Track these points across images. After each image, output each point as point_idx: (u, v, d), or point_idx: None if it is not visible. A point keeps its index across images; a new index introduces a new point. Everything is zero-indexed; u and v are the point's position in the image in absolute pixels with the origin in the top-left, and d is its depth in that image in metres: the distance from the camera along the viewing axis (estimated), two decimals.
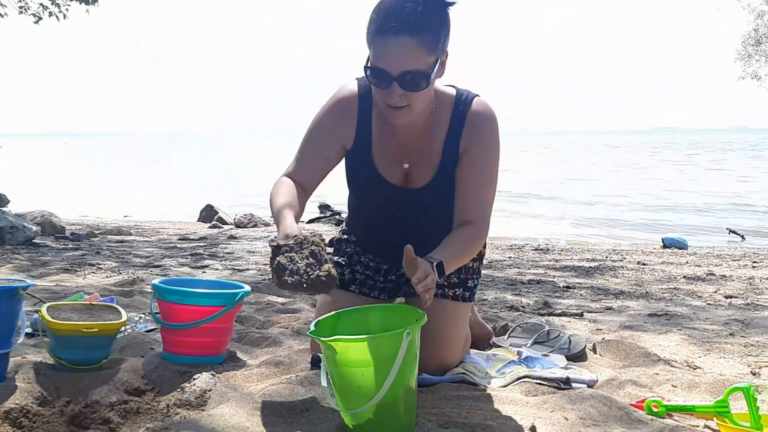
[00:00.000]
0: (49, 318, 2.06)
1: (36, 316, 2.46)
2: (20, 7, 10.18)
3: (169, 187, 19.54)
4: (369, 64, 1.84)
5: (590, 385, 2.06)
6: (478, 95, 2.05)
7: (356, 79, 2.08)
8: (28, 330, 2.51)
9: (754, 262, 6.30)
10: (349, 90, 2.09)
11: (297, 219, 1.91)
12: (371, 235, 2.31)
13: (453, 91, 2.05)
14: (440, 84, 2.04)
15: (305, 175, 2.09)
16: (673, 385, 2.10)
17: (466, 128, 2.00)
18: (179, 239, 7.44)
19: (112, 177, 23.92)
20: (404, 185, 2.09)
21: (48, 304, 2.21)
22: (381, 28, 1.78)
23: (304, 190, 2.09)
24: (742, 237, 9.49)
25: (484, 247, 2.28)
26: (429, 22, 1.78)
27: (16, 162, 36.18)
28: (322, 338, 1.62)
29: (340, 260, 2.34)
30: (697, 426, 1.75)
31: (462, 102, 2.02)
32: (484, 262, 5.77)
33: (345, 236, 2.39)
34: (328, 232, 8.49)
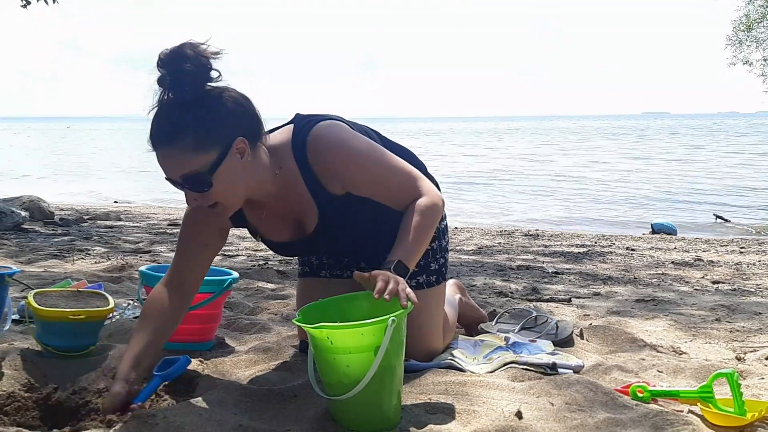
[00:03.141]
0: (35, 305, 2.05)
1: (23, 302, 2.45)
2: None
3: (156, 172, 19.45)
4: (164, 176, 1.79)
5: (576, 370, 2.07)
6: (318, 122, 1.91)
7: None
8: (15, 317, 2.51)
9: (742, 247, 6.34)
10: None
11: (136, 379, 1.76)
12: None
13: (289, 136, 1.92)
14: (278, 132, 1.94)
15: (188, 274, 1.97)
16: (658, 371, 2.12)
17: (316, 170, 1.89)
18: (169, 225, 7.42)
19: (103, 161, 23.78)
20: (301, 236, 2.02)
21: (35, 290, 2.20)
22: (150, 143, 1.73)
23: (184, 297, 1.96)
24: (726, 220, 9.57)
25: (443, 219, 2.24)
26: (184, 126, 1.68)
27: (10, 146, 35.92)
28: (307, 326, 1.62)
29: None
30: (682, 411, 1.76)
31: (298, 146, 1.90)
32: (473, 247, 5.80)
33: None
34: None
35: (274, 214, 2.00)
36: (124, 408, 1.67)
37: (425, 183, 1.96)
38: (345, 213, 1.97)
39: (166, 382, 1.84)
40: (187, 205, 1.91)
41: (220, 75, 1.74)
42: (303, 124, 1.93)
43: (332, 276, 2.29)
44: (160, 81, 1.71)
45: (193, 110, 1.70)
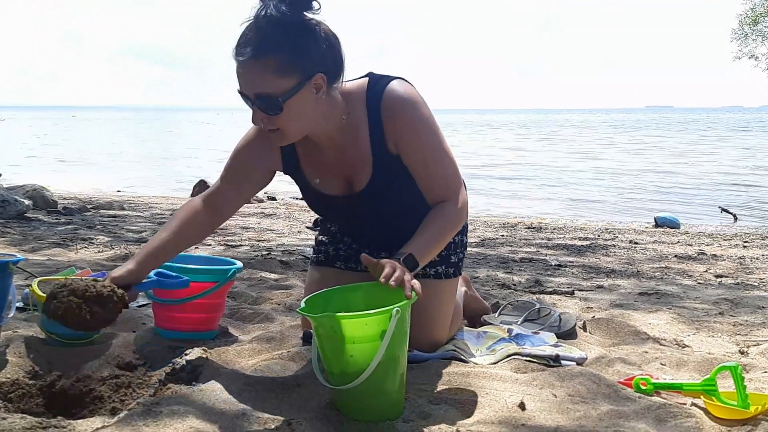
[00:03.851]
0: (40, 292, 2.06)
1: (27, 290, 2.46)
2: None
3: (161, 161, 19.46)
4: (238, 88, 1.82)
5: (579, 362, 2.07)
6: (393, 79, 1.95)
7: None
8: (20, 304, 2.51)
9: (745, 241, 6.33)
10: None
11: (145, 266, 1.94)
12: (343, 228, 2.32)
13: (365, 86, 1.95)
14: (354, 81, 1.96)
15: (225, 199, 2.06)
16: (661, 364, 2.12)
17: (385, 123, 1.92)
18: (172, 214, 7.42)
19: (106, 151, 23.79)
20: (348, 192, 2.03)
21: (39, 278, 2.20)
22: (235, 52, 1.76)
23: (216, 215, 2.06)
24: (735, 216, 9.53)
25: (466, 217, 2.27)
26: (277, 46, 1.71)
27: (15, 135, 35.94)
28: (312, 315, 1.62)
29: (323, 238, 2.35)
30: (685, 404, 1.77)
31: (374, 95, 1.93)
32: (476, 240, 5.79)
33: None
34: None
35: (329, 163, 2.02)
36: (127, 285, 1.83)
37: (463, 190, 2.00)
38: (393, 182, 1.98)
39: (156, 290, 1.96)
40: (241, 140, 2.03)
41: (320, 7, 1.76)
42: (379, 77, 1.96)
43: (346, 268, 2.29)
44: None
45: (287, 33, 1.73)
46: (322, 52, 1.79)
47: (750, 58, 23.06)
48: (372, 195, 2.01)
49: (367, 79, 1.97)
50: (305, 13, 1.75)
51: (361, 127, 1.94)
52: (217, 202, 2.07)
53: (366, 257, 1.76)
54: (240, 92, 1.81)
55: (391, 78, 1.96)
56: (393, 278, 1.67)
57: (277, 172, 2.12)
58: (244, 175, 2.06)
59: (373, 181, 1.98)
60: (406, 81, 1.97)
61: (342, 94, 1.92)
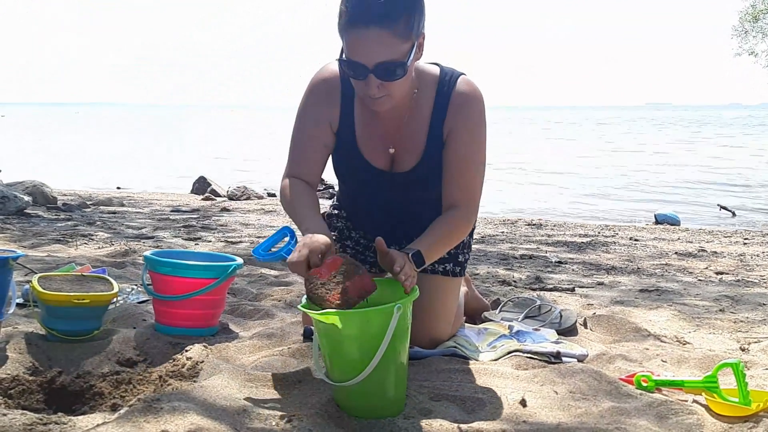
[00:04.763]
0: (40, 289, 2.05)
1: (27, 286, 2.45)
2: None
3: (161, 158, 19.45)
4: (344, 57, 1.79)
5: (580, 359, 2.07)
6: (463, 74, 1.98)
7: (337, 60, 1.89)
8: (20, 300, 2.51)
9: (746, 238, 6.32)
10: (330, 71, 2.01)
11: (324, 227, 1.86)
12: (360, 216, 2.30)
13: (437, 71, 1.98)
14: (423, 63, 1.99)
15: (306, 168, 2.03)
16: (662, 360, 2.12)
17: (450, 109, 1.94)
18: (172, 211, 7.42)
19: (105, 147, 23.77)
20: (390, 169, 2.04)
21: (39, 274, 2.20)
22: (351, 20, 1.72)
23: (309, 186, 2.04)
24: (733, 213, 9.53)
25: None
26: (399, 10, 1.71)
27: (16, 132, 35.90)
28: (313, 311, 1.62)
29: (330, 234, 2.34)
30: (686, 401, 1.76)
31: (446, 82, 1.95)
32: (477, 237, 5.79)
33: (336, 211, 2.38)
34: (321, 205, 8.47)
35: (383, 134, 2.02)
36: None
37: (477, 205, 2.02)
38: (436, 169, 2.00)
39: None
40: (299, 113, 2.01)
41: None
42: (451, 68, 1.99)
43: None
44: None
45: None
46: (425, 12, 1.80)
47: (750, 54, 23.03)
48: (414, 177, 2.02)
49: (436, 65, 2.00)
50: None
51: (425, 107, 1.96)
52: (300, 175, 2.03)
53: (380, 242, 1.74)
54: (349, 61, 1.76)
55: (459, 73, 1.98)
56: (402, 273, 1.67)
57: None
58: (313, 139, 2.02)
59: (420, 164, 2.00)
60: (470, 80, 2.00)
61: (416, 70, 1.94)
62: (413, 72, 1.91)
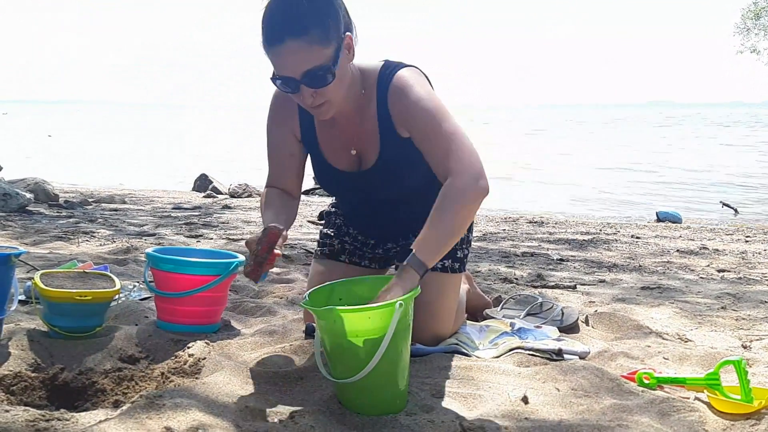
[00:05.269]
0: (42, 285, 2.05)
1: (29, 283, 2.46)
2: None
3: (163, 155, 19.45)
4: (274, 75, 1.81)
5: (582, 356, 2.07)
6: (406, 66, 1.97)
7: (270, 79, 1.90)
8: (22, 297, 2.51)
9: (747, 236, 6.32)
10: None
11: (282, 222, 1.94)
12: (350, 215, 2.33)
13: (378, 69, 1.98)
14: (370, 61, 1.99)
15: (280, 177, 2.12)
16: (664, 358, 2.12)
17: (391, 104, 1.93)
18: (173, 208, 7.42)
19: (107, 145, 23.78)
20: (356, 169, 2.06)
21: (41, 271, 2.20)
22: (267, 39, 1.75)
23: (291, 196, 2.13)
24: (735, 210, 9.52)
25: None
26: (310, 18, 1.72)
27: (17, 129, 35.91)
28: (315, 309, 1.62)
29: (329, 231, 2.36)
30: (688, 398, 1.76)
31: (386, 76, 1.95)
32: (478, 234, 5.79)
33: (334, 209, 2.41)
34: (322, 203, 8.48)
35: (342, 137, 2.03)
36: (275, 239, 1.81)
37: (471, 158, 1.84)
38: (400, 163, 1.99)
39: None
40: (266, 134, 2.09)
41: None
42: (394, 63, 1.98)
43: (351, 262, 2.29)
44: None
45: (314, 2, 1.74)
46: (343, 11, 1.81)
47: (752, 52, 23.01)
48: (379, 173, 2.02)
49: (382, 62, 2.00)
50: None
51: (371, 104, 1.97)
52: (278, 185, 2.12)
53: (380, 297, 1.71)
54: (279, 77, 1.79)
55: (403, 65, 1.97)
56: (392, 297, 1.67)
57: None
58: (281, 150, 2.10)
59: (380, 159, 2.00)
60: (416, 68, 1.99)
61: (360, 70, 1.95)
62: (357, 73, 1.93)
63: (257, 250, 1.80)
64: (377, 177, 2.04)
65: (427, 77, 2.01)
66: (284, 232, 1.86)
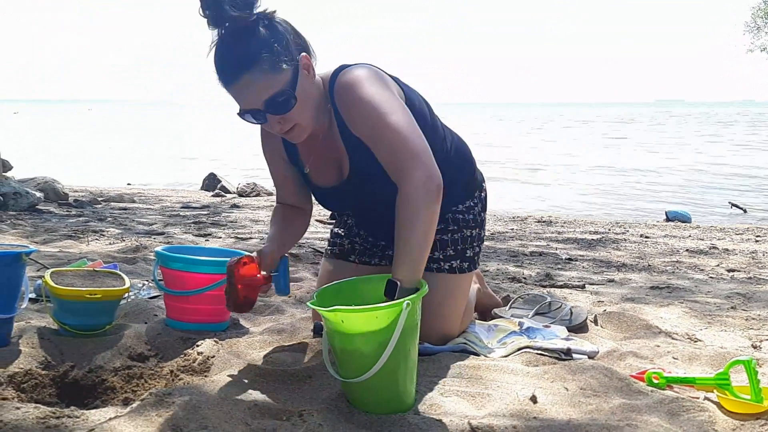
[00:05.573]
0: (52, 284, 2.07)
1: (39, 281, 2.47)
2: None
3: (171, 155, 19.50)
4: (240, 110, 1.82)
5: (591, 356, 2.06)
6: (351, 66, 1.91)
7: (237, 115, 1.89)
8: (32, 295, 2.53)
9: (758, 236, 6.28)
10: None
11: (277, 246, 2.03)
12: (360, 220, 2.33)
13: (330, 74, 1.94)
14: (328, 69, 1.96)
15: (286, 196, 2.18)
16: (674, 358, 2.11)
17: (340, 108, 1.90)
18: (182, 207, 7.44)
19: (115, 144, 23.88)
20: (339, 181, 2.05)
21: (51, 269, 2.21)
22: (222, 79, 1.78)
23: (300, 210, 2.18)
24: (744, 210, 9.47)
25: (484, 211, 2.27)
26: (255, 49, 1.73)
27: (29, 128, 36.10)
28: (322, 308, 1.62)
29: (339, 231, 2.36)
30: (698, 398, 1.76)
31: (331, 84, 1.91)
32: (486, 234, 5.79)
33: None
34: None
35: (321, 154, 2.04)
36: (268, 266, 1.95)
37: (422, 157, 1.76)
38: (371, 165, 1.90)
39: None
40: (263, 154, 2.13)
41: (259, 2, 1.78)
42: (344, 65, 1.95)
43: (361, 262, 2.29)
44: (212, 21, 1.74)
45: (256, 34, 1.75)
46: (290, 36, 1.81)
47: (762, 51, 22.88)
48: (357, 180, 2.02)
49: (334, 68, 1.98)
50: (254, 10, 1.76)
51: (332, 114, 1.96)
52: (285, 202, 2.19)
53: None
54: (245, 111, 1.82)
55: (350, 66, 1.92)
56: None
57: None
58: (278, 173, 2.15)
59: (351, 167, 2.00)
60: (364, 65, 1.92)
61: (322, 82, 1.95)
62: (318, 89, 1.90)
63: (231, 292, 1.91)
64: (357, 185, 2.03)
65: (381, 73, 1.92)
66: (272, 254, 1.99)
